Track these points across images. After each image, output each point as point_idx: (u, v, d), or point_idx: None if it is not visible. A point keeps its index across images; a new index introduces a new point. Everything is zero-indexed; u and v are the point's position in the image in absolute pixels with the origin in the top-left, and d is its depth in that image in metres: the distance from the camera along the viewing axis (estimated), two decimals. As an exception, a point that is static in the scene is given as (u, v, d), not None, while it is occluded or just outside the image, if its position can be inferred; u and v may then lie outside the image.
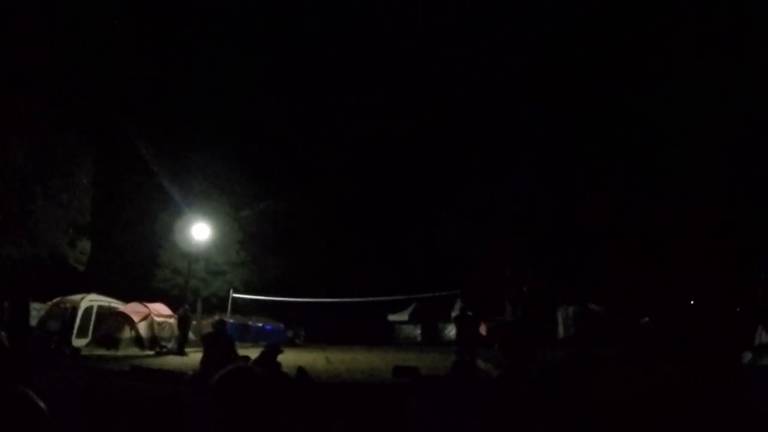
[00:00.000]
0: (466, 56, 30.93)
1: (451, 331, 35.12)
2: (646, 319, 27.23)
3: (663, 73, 24.06)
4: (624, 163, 25.86)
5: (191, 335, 25.06)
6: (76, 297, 24.00)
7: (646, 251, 25.68)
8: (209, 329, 18.00)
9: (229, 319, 25.85)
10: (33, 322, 20.92)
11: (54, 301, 24.11)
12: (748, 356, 15.79)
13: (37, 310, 22.39)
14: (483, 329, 26.43)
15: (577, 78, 26.72)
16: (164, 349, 22.65)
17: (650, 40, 24.49)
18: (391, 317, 41.69)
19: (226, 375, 2.25)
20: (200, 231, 27.16)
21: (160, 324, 24.39)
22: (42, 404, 1.60)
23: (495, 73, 29.02)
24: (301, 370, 12.46)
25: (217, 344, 13.44)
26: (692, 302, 29.85)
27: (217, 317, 26.15)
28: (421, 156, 36.60)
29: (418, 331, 40.85)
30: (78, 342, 22.15)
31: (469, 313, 17.83)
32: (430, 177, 34.59)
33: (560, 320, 31.33)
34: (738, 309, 22.97)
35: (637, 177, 25.49)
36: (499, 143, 26.94)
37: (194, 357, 18.46)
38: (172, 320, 24.61)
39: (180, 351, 22.02)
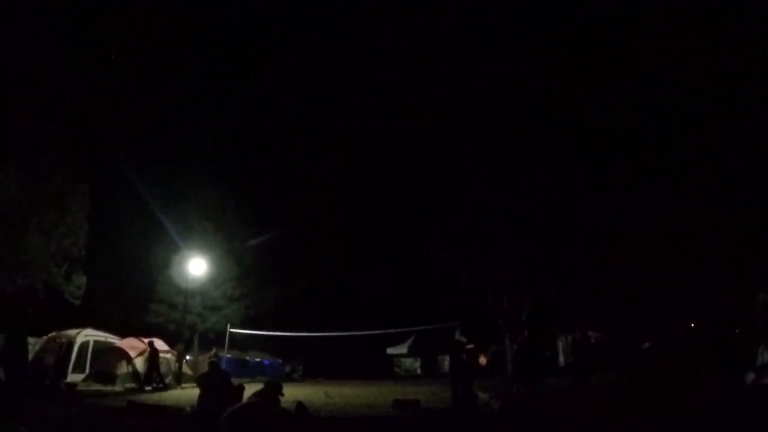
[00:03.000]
0: (463, 67, 30.79)
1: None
2: (647, 344, 27.03)
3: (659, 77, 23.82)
4: (623, 185, 25.51)
5: (188, 370, 24.85)
6: (72, 332, 23.70)
7: (645, 276, 25.48)
8: (206, 364, 17.78)
9: (227, 354, 25.59)
10: (29, 356, 20.70)
11: (49, 335, 23.76)
12: (750, 376, 15.62)
13: (32, 345, 22.07)
14: (483, 359, 26.22)
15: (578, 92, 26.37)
16: (161, 385, 22.40)
17: (649, 40, 24.33)
18: (390, 350, 41.42)
19: (238, 410, 2.25)
20: (197, 266, 26.99)
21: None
22: None
23: (490, 85, 28.72)
24: (300, 405, 12.26)
25: (213, 382, 13.25)
26: (692, 325, 29.65)
27: (214, 351, 26.00)
28: (414, 184, 36.51)
29: (418, 364, 40.57)
30: (74, 377, 21.88)
31: (466, 343, 17.60)
32: (423, 205, 34.51)
33: (560, 348, 31.19)
34: (737, 330, 22.70)
35: (636, 199, 25.18)
36: (493, 167, 26.77)
37: (191, 392, 18.24)
38: (169, 355, 24.39)
39: (142, 386, 21.71)
